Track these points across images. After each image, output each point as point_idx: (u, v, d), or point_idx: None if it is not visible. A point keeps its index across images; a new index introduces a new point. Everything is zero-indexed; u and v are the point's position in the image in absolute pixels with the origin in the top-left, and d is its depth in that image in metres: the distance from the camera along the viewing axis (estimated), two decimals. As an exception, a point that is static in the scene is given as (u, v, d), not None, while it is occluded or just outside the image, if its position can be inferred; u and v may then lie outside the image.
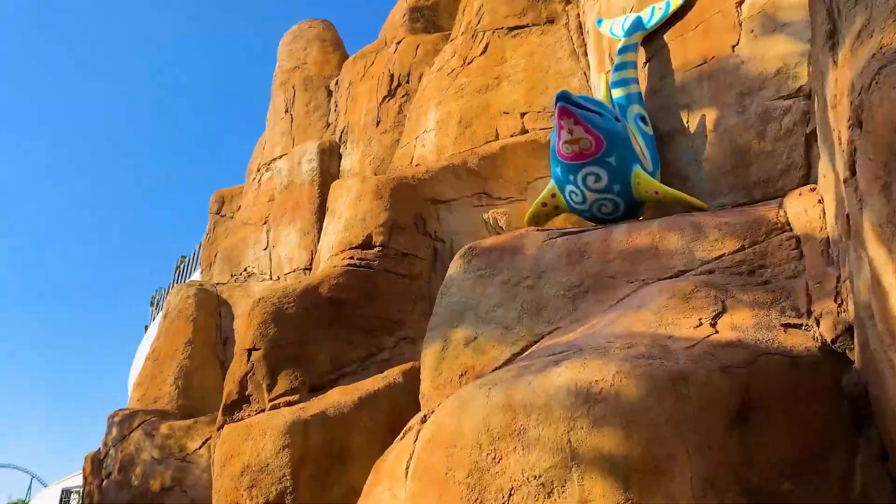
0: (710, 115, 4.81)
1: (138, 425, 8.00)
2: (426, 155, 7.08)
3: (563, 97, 4.18)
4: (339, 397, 4.65)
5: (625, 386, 2.73)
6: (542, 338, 3.82)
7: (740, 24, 4.88)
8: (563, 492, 2.64)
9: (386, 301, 5.24)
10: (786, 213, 3.86)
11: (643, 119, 4.99)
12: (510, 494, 2.69)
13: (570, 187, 4.52)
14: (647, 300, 3.52)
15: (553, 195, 4.72)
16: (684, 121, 4.98)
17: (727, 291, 3.46)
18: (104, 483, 8.18)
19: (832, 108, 2.88)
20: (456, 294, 4.15)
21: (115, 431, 8.21)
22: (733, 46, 4.85)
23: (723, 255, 3.77)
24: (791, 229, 3.76)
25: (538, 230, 4.42)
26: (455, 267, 4.28)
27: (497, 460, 2.75)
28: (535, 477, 2.68)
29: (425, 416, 3.32)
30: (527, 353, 3.71)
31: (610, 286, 3.91)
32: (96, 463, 8.66)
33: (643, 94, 5.25)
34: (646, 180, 4.42)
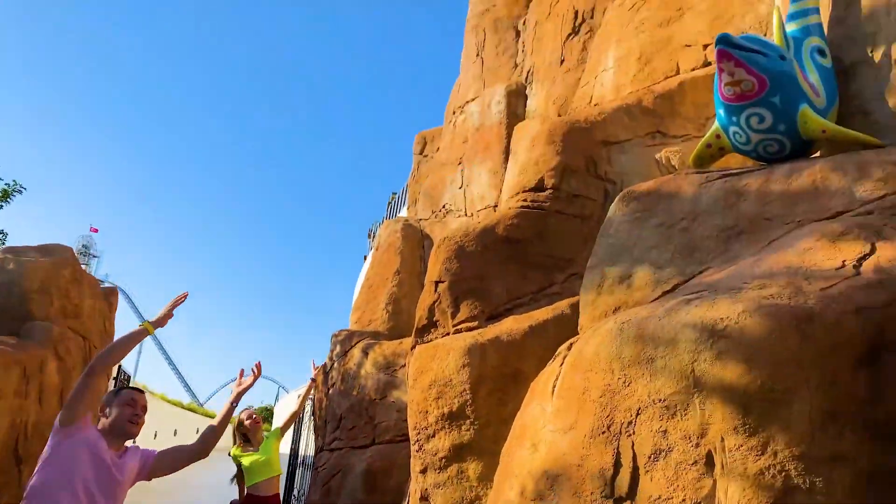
0: (897, 45, 4.54)
1: (356, 343, 9.29)
2: (605, 94, 7.24)
3: (722, 40, 4.22)
4: (512, 325, 5.23)
5: (749, 324, 2.97)
6: (693, 277, 4.05)
7: (940, -62, 4.49)
8: (685, 414, 2.99)
9: (557, 240, 5.67)
10: (963, 151, 3.67)
11: (821, 52, 4.81)
12: (637, 413, 3.09)
13: (733, 128, 4.57)
14: (795, 241, 3.61)
15: (717, 136, 4.78)
16: (869, 52, 4.73)
17: (880, 233, 3.45)
18: (330, 391, 9.64)
19: None
20: (613, 235, 4.48)
21: (338, 348, 9.59)
22: (928, -35, 4.49)
23: (885, 195, 3.71)
24: (965, 167, 3.59)
25: (697, 172, 4.55)
26: (614, 210, 4.58)
27: (627, 384, 3.15)
28: (661, 400, 3.05)
29: (571, 344, 3.77)
30: (676, 290, 3.98)
31: (765, 228, 4.01)
32: (324, 375, 10.18)
33: (825, 24, 5.03)
34: (813, 119, 4.34)
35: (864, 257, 3.33)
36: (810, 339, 2.90)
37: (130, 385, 3.52)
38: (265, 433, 6.35)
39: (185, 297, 3.60)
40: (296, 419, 6.45)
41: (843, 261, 3.33)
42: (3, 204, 11.36)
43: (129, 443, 3.40)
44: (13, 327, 7.37)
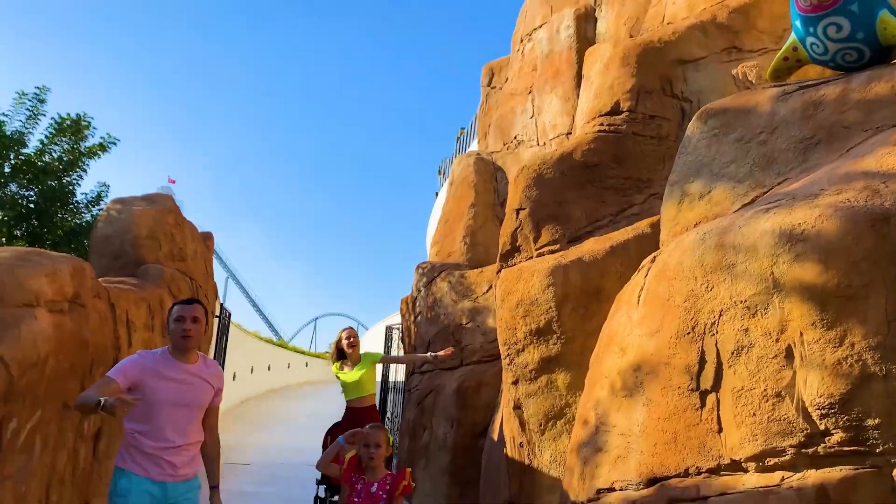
0: None
1: (439, 274, 9.73)
2: (677, 12, 7.20)
3: (798, -50, 4.23)
4: (593, 246, 5.49)
5: (825, 227, 3.16)
6: (772, 188, 4.20)
7: None
8: (765, 313, 3.23)
9: (635, 162, 5.83)
10: None
11: (904, -47, 4.72)
12: (720, 315, 3.35)
13: (810, 39, 4.59)
14: (874, 147, 3.71)
15: (794, 48, 4.80)
16: (955, -52, 4.61)
17: (961, 135, 3.52)
18: (417, 319, 10.17)
19: None
20: (692, 153, 4.64)
21: (423, 279, 10.06)
22: None
23: (967, 97, 3.74)
24: None
25: (773, 86, 4.62)
26: (692, 127, 4.72)
27: (709, 289, 3.41)
28: (742, 301, 3.29)
29: (655, 256, 4.02)
30: (754, 202, 4.15)
31: (843, 136, 4.09)
32: (410, 304, 10.71)
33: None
34: (893, 24, 4.32)
35: (943, 159, 3.42)
36: (886, 238, 3.07)
37: (186, 299, 3.53)
38: (363, 356, 6.85)
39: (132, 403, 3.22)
40: (394, 363, 7.01)
41: (922, 163, 3.43)
42: (101, 154, 12.17)
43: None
44: (129, 270, 8.11)
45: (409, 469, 4.14)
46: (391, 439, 4.09)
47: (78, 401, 3.13)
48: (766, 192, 4.21)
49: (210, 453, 3.71)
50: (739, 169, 4.39)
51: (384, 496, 3.94)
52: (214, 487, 3.70)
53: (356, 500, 3.93)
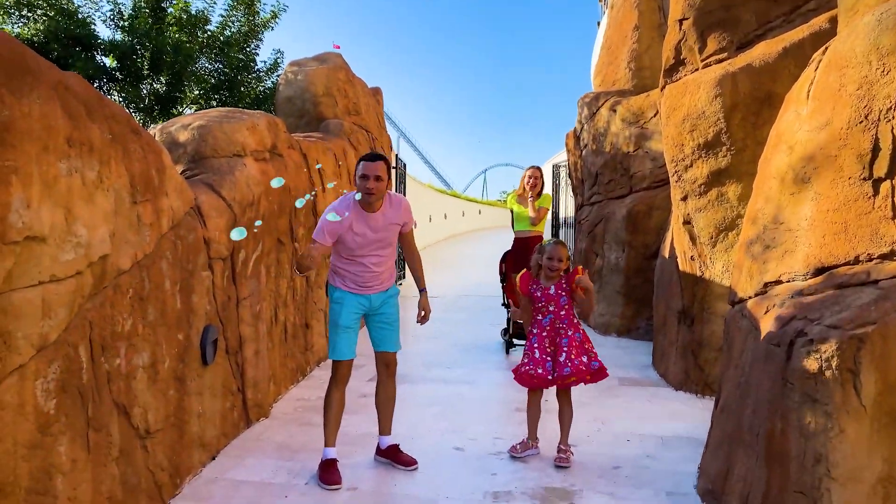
0: None
1: (603, 104, 9.60)
2: None
3: None
4: (764, 50, 5.20)
5: None
6: (973, -45, 3.73)
7: None
8: (950, 93, 3.04)
9: (813, -51, 5.29)
10: None
11: None
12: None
13: None
14: None
15: None
16: None
17: None
18: (583, 153, 10.22)
19: None
20: (876, -72, 4.17)
21: (585, 111, 9.99)
22: None
23: None
24: None
25: None
26: None
27: (885, 73, 3.23)
28: (923, 82, 3.11)
29: (826, 48, 3.81)
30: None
31: None
32: (575, 139, 10.73)
33: None
34: None
35: None
36: None
37: (370, 156, 3.81)
38: (543, 196, 7.34)
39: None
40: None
41: None
42: (273, 26, 12.91)
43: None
44: (312, 126, 8.85)
45: (581, 266, 4.53)
46: (569, 254, 4.46)
47: (299, 265, 3.87)
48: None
49: (414, 266, 4.36)
50: (934, -62, 3.91)
51: (563, 293, 4.37)
52: (422, 290, 4.32)
53: (539, 305, 4.40)
